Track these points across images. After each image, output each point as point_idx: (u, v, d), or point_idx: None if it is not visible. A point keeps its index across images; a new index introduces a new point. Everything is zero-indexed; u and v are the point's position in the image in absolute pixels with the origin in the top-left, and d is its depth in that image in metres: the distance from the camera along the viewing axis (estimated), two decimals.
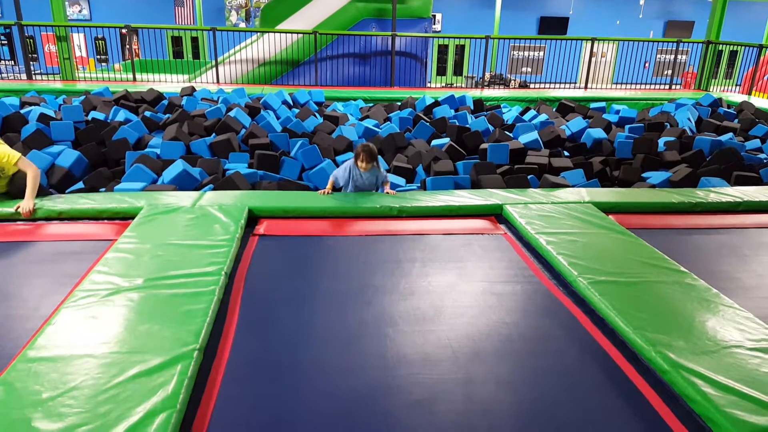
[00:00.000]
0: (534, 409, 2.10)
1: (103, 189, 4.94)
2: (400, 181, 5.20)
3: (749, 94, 10.96)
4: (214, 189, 4.67)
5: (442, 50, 21.58)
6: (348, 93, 9.28)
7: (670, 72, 12.33)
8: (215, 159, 5.38)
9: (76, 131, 6.14)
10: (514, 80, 17.04)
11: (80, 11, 20.78)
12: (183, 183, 4.78)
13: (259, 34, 11.36)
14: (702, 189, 4.67)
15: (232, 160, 5.63)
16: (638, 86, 12.03)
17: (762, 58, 11.25)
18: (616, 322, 2.59)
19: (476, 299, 2.91)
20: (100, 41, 19.94)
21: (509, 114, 8.04)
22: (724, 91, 12.08)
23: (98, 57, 19.25)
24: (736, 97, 10.11)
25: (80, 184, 5.12)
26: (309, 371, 2.28)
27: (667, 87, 12.33)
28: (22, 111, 6.65)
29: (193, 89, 8.49)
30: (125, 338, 2.29)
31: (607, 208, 4.15)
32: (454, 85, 18.32)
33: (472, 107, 8.34)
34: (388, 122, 7.22)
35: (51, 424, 1.80)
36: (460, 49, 21.52)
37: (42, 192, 4.07)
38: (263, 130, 6.29)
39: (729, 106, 8.91)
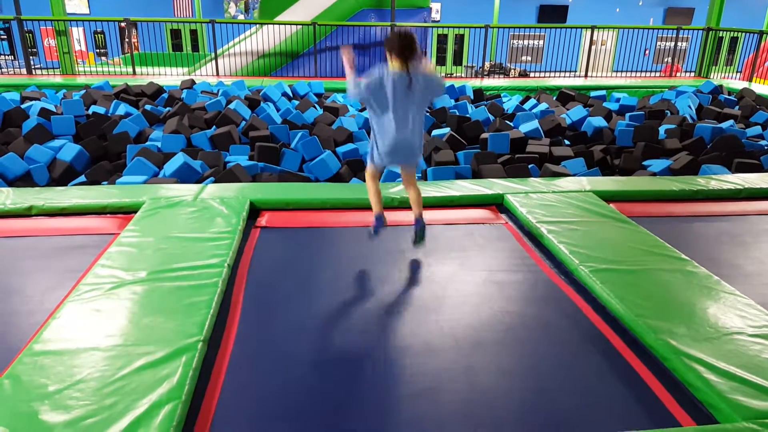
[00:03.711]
0: (536, 397, 2.11)
1: (105, 182, 4.95)
2: None
3: (750, 80, 10.92)
4: (215, 181, 4.67)
5: (442, 40, 21.48)
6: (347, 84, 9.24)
7: (670, 59, 12.26)
8: (216, 152, 5.38)
9: (77, 125, 6.14)
10: (514, 69, 16.96)
11: None
12: (184, 176, 4.79)
13: (258, 25, 11.31)
14: (703, 176, 4.66)
15: (232, 153, 5.64)
16: (638, 74, 11.98)
17: (762, 44, 11.18)
18: (617, 309, 2.60)
19: (478, 289, 2.92)
20: (99, 35, 19.86)
21: (509, 103, 8.03)
22: (724, 78, 12.03)
23: (97, 51, 19.20)
24: (737, 84, 10.07)
25: (82, 178, 5.13)
26: (312, 361, 2.30)
27: (667, 74, 12.27)
28: (22, 106, 6.65)
29: (193, 82, 8.48)
30: (130, 331, 2.30)
31: (608, 197, 4.15)
32: (454, 74, 18.24)
33: (472, 97, 8.32)
34: None
35: (58, 417, 1.82)
36: (459, 39, 21.42)
37: None
38: (263, 122, 6.29)
39: (730, 93, 8.88)
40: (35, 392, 1.93)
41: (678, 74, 12.74)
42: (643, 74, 12.45)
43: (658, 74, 12.41)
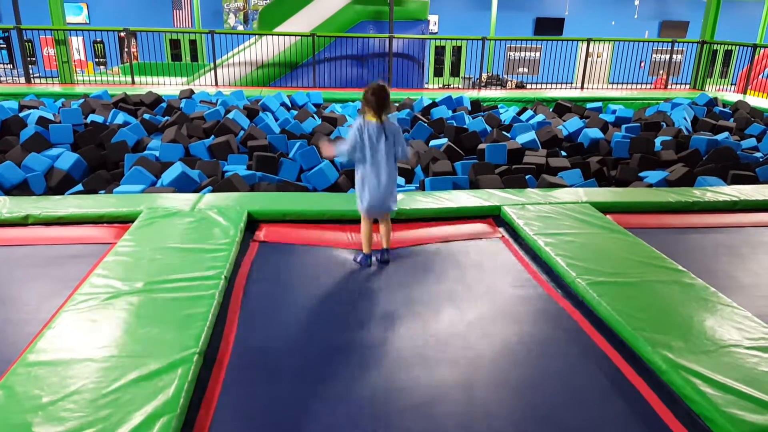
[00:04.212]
0: (534, 412, 2.10)
1: (103, 191, 4.94)
2: (399, 180, 5.21)
3: (744, 93, 10.99)
4: (213, 191, 4.67)
5: (439, 51, 21.60)
6: (346, 94, 9.28)
7: (664, 72, 12.33)
8: (214, 161, 5.38)
9: (75, 134, 6.14)
10: (511, 81, 17.06)
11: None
12: (182, 185, 4.78)
13: (257, 36, 11.36)
14: (699, 188, 4.68)
15: (230, 162, 5.64)
16: (634, 86, 12.05)
17: (756, 57, 11.27)
18: (614, 322, 2.59)
19: (475, 303, 2.92)
20: (98, 44, 19.92)
21: (506, 114, 8.06)
22: (719, 90, 12.11)
23: (97, 60, 19.24)
24: (732, 96, 10.13)
25: (79, 187, 5.12)
26: (309, 375, 2.29)
27: (662, 86, 12.34)
28: (20, 114, 6.65)
29: (192, 92, 8.49)
30: (125, 342, 2.29)
31: (605, 208, 4.16)
32: (452, 86, 18.34)
33: (469, 108, 8.35)
34: None
35: (51, 429, 1.80)
36: (457, 51, 21.55)
37: None
38: (262, 132, 6.29)
39: (724, 106, 8.94)
40: (29, 403, 1.92)
41: (669, 87, 12.83)
42: (638, 86, 12.52)
43: (653, 86, 12.46)
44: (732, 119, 7.90)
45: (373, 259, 3.39)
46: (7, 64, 15.81)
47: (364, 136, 3.14)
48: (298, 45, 10.93)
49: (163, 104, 7.75)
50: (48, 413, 1.87)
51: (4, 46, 16.82)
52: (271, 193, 4.48)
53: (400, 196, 4.22)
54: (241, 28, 22.25)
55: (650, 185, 5.26)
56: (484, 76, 15.06)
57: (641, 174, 5.66)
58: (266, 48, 10.88)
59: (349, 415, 2.04)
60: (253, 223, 3.85)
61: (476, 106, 8.51)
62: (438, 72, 21.60)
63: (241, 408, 2.07)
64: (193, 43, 20.72)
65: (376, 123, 3.14)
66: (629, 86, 11.89)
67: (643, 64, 13.12)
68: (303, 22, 11.29)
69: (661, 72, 13.64)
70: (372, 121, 3.15)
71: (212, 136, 6.25)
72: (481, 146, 5.88)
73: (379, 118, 3.14)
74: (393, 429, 1.99)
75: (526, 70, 20.58)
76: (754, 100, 9.47)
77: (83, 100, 7.55)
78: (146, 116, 6.90)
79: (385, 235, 3.45)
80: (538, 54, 21.41)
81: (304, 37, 10.71)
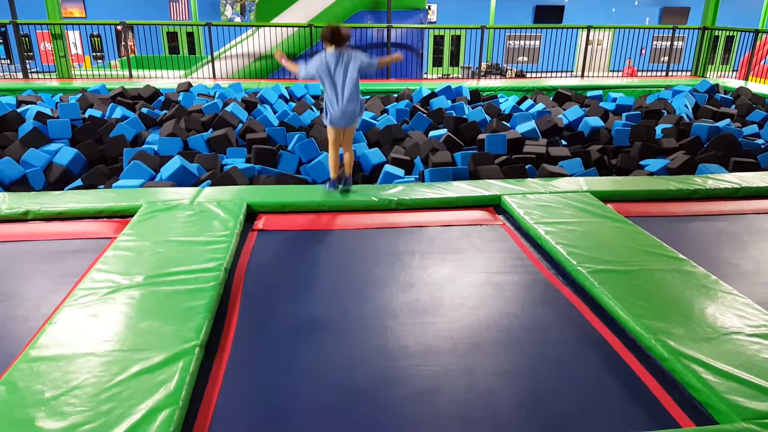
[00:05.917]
0: (534, 398, 2.11)
1: (102, 186, 4.94)
2: (398, 172, 5.20)
3: (746, 79, 10.93)
4: (212, 184, 4.67)
5: (438, 41, 21.50)
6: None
7: (666, 58, 12.28)
8: (213, 154, 5.37)
9: (74, 129, 6.13)
10: (511, 70, 16.98)
11: None
12: (181, 179, 4.78)
13: (254, 28, 11.31)
14: (700, 176, 4.67)
15: (229, 155, 5.62)
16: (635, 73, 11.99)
17: (758, 43, 11.20)
18: (615, 310, 2.59)
19: (475, 290, 2.92)
20: (95, 38, 19.86)
21: (506, 104, 8.03)
22: (720, 76, 12.05)
23: (94, 54, 19.18)
24: (733, 82, 10.09)
25: (78, 182, 5.12)
26: (310, 365, 2.29)
27: (663, 74, 12.29)
28: (18, 110, 6.63)
29: (190, 85, 8.46)
30: (126, 336, 2.29)
31: (606, 197, 4.15)
32: (451, 75, 18.28)
33: (468, 98, 8.32)
34: (385, 114, 7.21)
35: (54, 423, 1.81)
36: (455, 40, 21.44)
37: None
38: (260, 125, 6.28)
39: (726, 92, 8.90)
40: (31, 398, 1.92)
41: (640, 74, 12.76)
42: (639, 73, 12.46)
43: (656, 73, 12.39)
44: (733, 106, 7.87)
45: (339, 186, 4.08)
46: (4, 59, 15.76)
47: (322, 62, 3.85)
48: (296, 36, 10.88)
49: (161, 98, 7.72)
50: (51, 408, 1.87)
51: (1, 41, 16.77)
52: (270, 186, 4.48)
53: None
54: (238, 19, 22.16)
55: (651, 173, 5.24)
56: (484, 65, 14.99)
57: (642, 162, 5.64)
58: (264, 40, 10.84)
59: (352, 405, 2.05)
60: (252, 216, 3.85)
61: (476, 95, 8.47)
62: (437, 62, 21.52)
63: (243, 400, 2.07)
64: (190, 35, 20.64)
65: (334, 51, 3.83)
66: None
67: (644, 51, 13.06)
68: (300, 12, 11.23)
69: (663, 58, 13.56)
70: (330, 50, 3.84)
71: (211, 130, 6.24)
72: (481, 136, 5.86)
73: (337, 46, 3.82)
74: (395, 417, 1.99)
75: (525, 58, 20.49)
76: (756, 87, 9.42)
77: (81, 94, 7.54)
78: (144, 110, 6.88)
79: (349, 163, 4.09)
80: (537, 42, 21.32)
81: (301, 28, 10.66)
